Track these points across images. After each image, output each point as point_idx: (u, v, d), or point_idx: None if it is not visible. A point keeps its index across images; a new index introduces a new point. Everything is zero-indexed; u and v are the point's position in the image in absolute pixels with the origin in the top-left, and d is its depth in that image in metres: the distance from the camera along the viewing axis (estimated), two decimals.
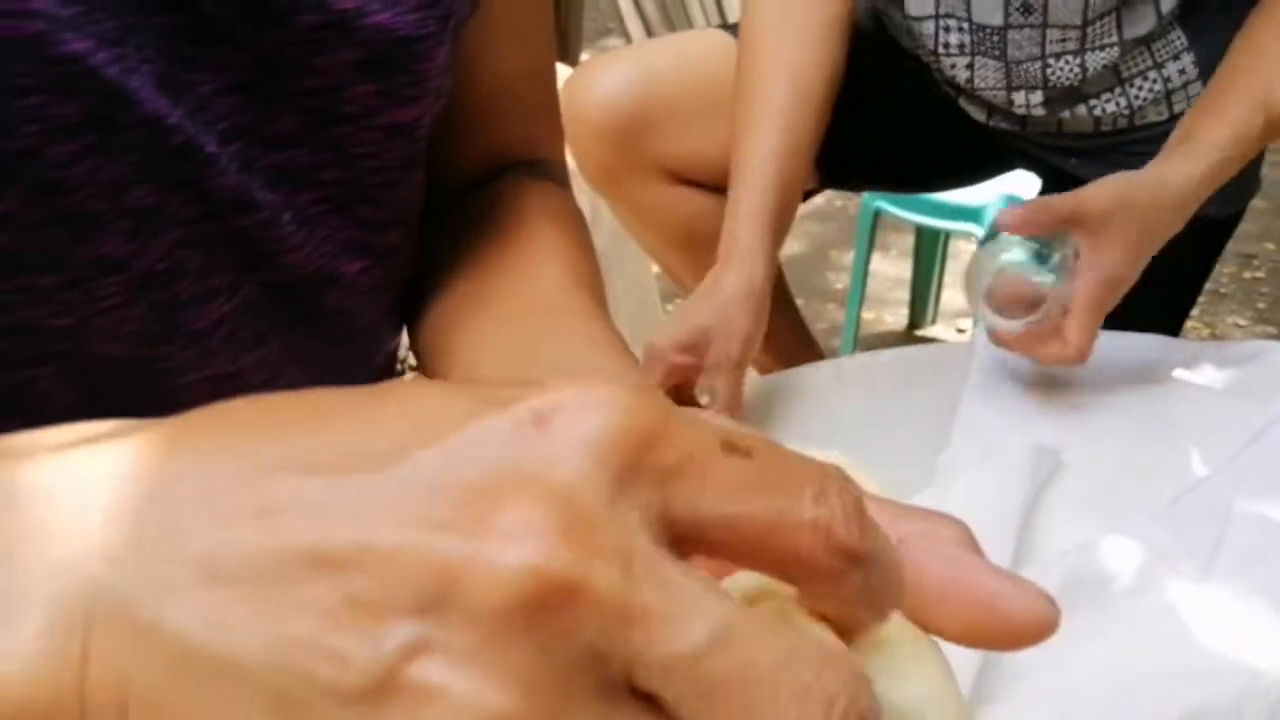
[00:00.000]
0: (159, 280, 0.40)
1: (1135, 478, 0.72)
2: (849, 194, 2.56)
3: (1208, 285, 1.20)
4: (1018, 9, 1.00)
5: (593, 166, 1.21)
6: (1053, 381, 0.82)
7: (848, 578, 0.20)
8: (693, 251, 1.23)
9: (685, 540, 0.19)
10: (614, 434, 0.19)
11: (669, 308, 2.11)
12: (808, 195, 1.25)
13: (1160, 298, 0.92)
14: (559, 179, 0.56)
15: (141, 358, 0.41)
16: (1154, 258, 0.88)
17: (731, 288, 0.88)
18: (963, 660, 0.57)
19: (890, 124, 1.17)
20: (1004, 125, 1.12)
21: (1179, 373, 0.81)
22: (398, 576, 0.18)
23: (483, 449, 0.19)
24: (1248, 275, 2.59)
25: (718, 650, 0.17)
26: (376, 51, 0.41)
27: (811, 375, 0.95)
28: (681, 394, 0.87)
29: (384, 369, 0.55)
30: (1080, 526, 0.68)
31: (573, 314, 0.45)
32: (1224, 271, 2.50)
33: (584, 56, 3.01)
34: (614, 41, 3.65)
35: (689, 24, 2.99)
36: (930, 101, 1.14)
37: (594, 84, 1.17)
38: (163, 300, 0.40)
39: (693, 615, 0.18)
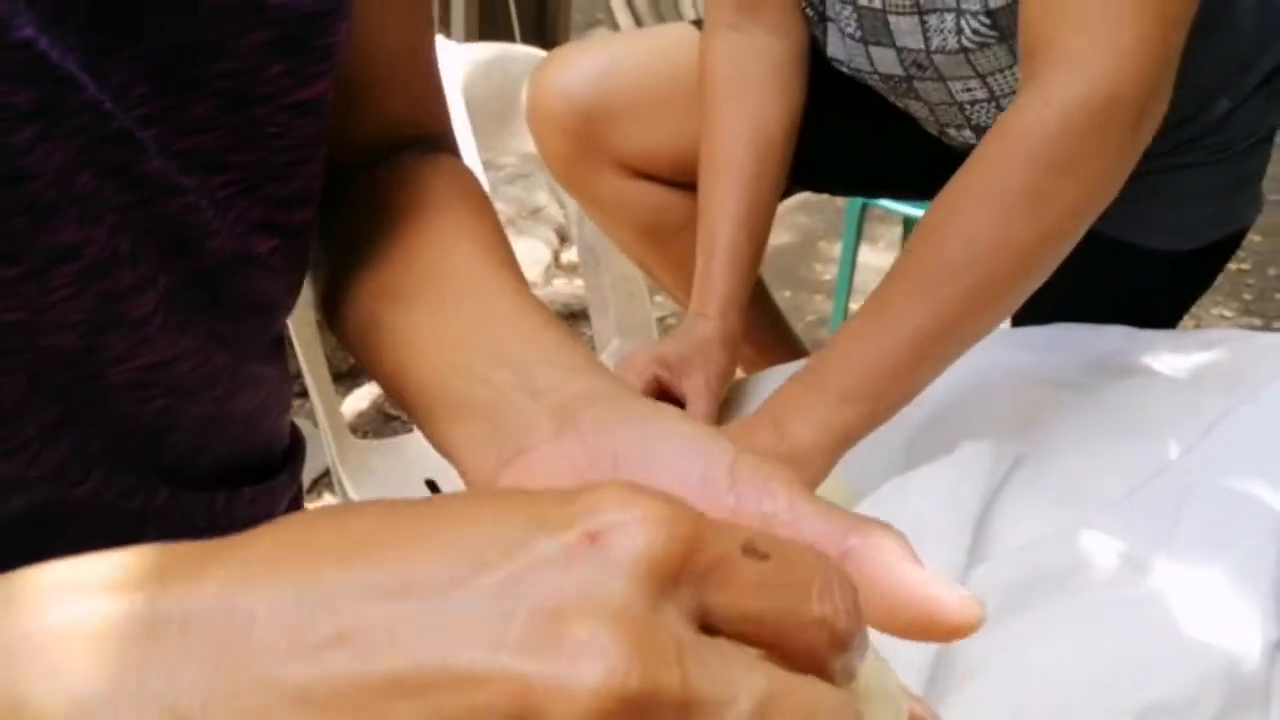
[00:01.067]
0: (103, 268, 0.40)
1: (1095, 470, 0.72)
2: (822, 193, 2.57)
3: None
4: (912, 64, 1.00)
5: (555, 160, 1.22)
6: (1015, 373, 0.82)
7: (840, 658, 0.24)
8: (657, 243, 1.24)
9: (713, 630, 0.23)
10: (659, 550, 0.22)
11: (658, 299, 2.11)
12: (783, 196, 1.26)
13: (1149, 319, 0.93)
14: (453, 149, 0.57)
15: (85, 347, 0.41)
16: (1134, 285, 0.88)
17: (705, 334, 0.93)
18: (916, 659, 0.58)
19: (859, 132, 1.17)
20: (959, 141, 1.11)
21: (1141, 362, 0.81)
22: (481, 697, 0.20)
23: (545, 574, 0.21)
24: (1234, 267, 2.60)
25: (761, 716, 0.21)
26: (286, 30, 0.41)
27: (793, 371, 0.96)
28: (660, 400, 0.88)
29: (278, 338, 0.55)
30: (1039, 521, 0.68)
31: (504, 295, 0.45)
32: None
33: None
34: (603, 33, 3.65)
35: (678, 16, 2.98)
36: (895, 112, 1.14)
37: (557, 77, 1.17)
38: (106, 289, 0.40)
39: (739, 692, 0.21)
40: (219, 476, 0.51)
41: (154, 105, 0.40)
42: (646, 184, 1.19)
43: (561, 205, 2.74)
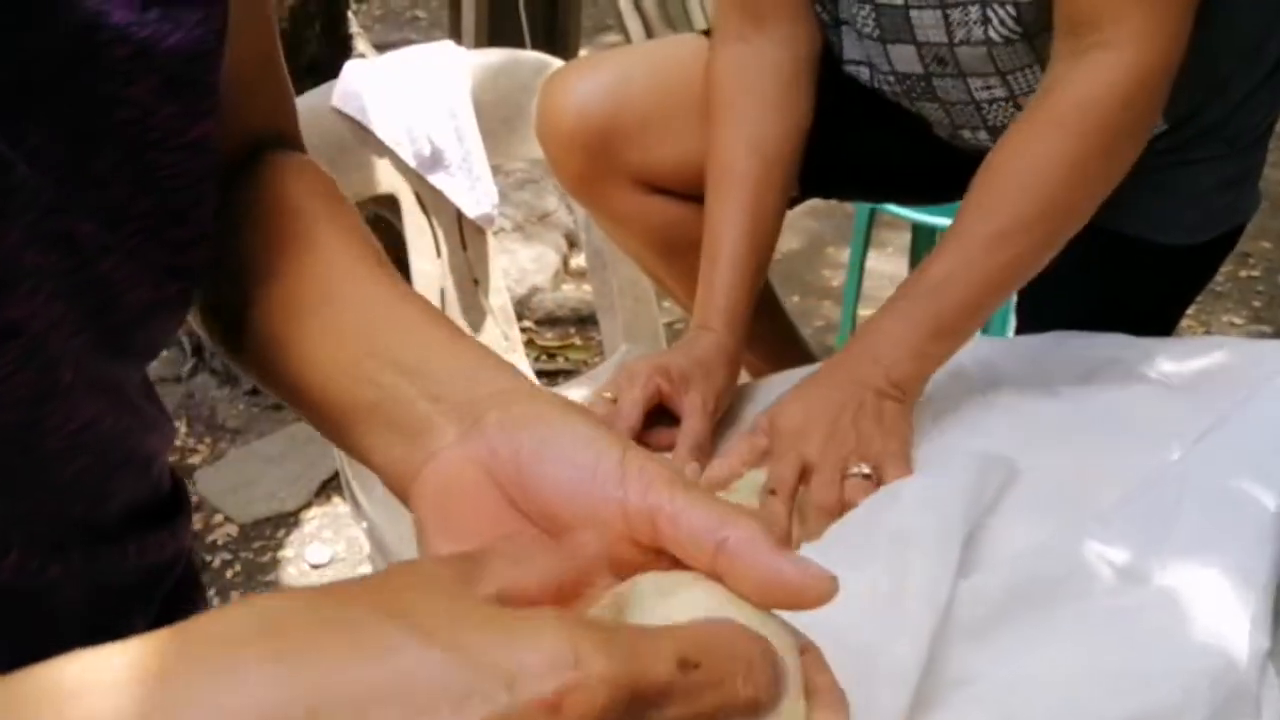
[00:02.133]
0: (41, 339, 0.40)
1: (1086, 480, 0.72)
2: (835, 200, 2.57)
3: None
4: (932, 60, 1.00)
5: (567, 174, 1.22)
6: (1007, 382, 0.82)
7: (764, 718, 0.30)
8: (670, 257, 1.24)
9: None
10: (614, 706, 0.26)
11: (665, 305, 2.12)
12: (793, 203, 1.27)
13: (1144, 322, 0.94)
14: (302, 147, 0.60)
15: (27, 422, 0.41)
16: (1137, 282, 0.90)
17: (708, 350, 0.93)
18: (907, 667, 0.58)
19: (870, 139, 1.17)
20: (972, 144, 1.12)
21: (1137, 370, 0.81)
22: None
23: None
24: (1244, 274, 2.59)
25: None
26: (175, 71, 0.42)
27: (800, 377, 0.97)
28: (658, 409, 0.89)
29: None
30: (1032, 530, 0.69)
31: (393, 302, 0.47)
32: (1220, 269, 2.50)
33: (583, 53, 3.01)
34: (613, 39, 3.65)
35: (688, 23, 2.99)
36: (906, 119, 1.14)
37: (568, 91, 1.17)
38: (44, 359, 0.41)
39: None
40: (129, 523, 0.51)
41: (66, 164, 0.40)
42: (660, 198, 1.19)
43: (570, 210, 2.75)
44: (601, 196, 1.22)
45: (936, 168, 1.16)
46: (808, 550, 0.68)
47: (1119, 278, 1.05)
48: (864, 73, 1.07)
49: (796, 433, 0.80)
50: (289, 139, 0.59)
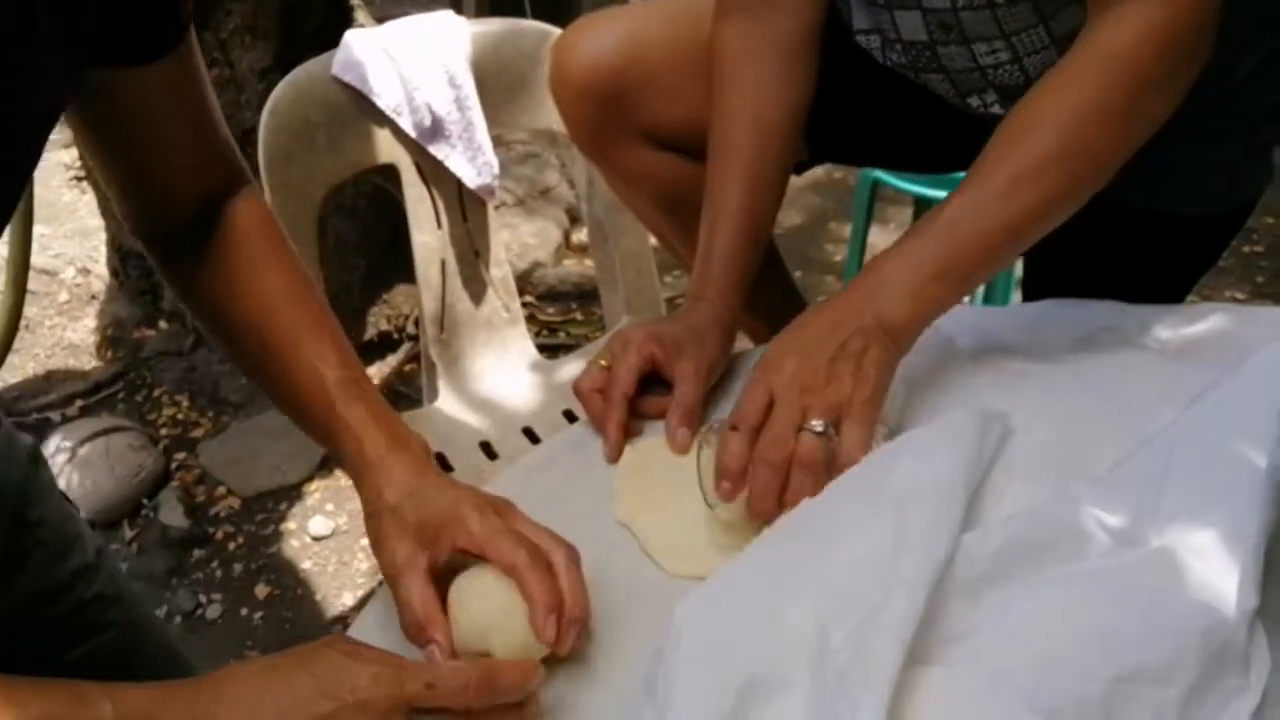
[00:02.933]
0: None
1: (1080, 443, 0.72)
2: (847, 165, 2.57)
3: None
4: (937, 27, 1.00)
5: (578, 130, 1.22)
6: (1002, 348, 0.82)
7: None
8: (678, 216, 1.24)
9: None
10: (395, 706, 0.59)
11: (668, 279, 2.12)
12: (802, 168, 1.27)
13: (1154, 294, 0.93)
14: (248, 179, 0.81)
15: None
16: (1147, 255, 0.89)
17: (703, 319, 0.93)
18: (904, 622, 0.59)
19: (880, 105, 1.17)
20: (979, 111, 1.12)
21: (1132, 337, 0.81)
22: None
23: None
24: (1246, 249, 2.59)
25: None
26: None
27: None
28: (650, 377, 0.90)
29: None
30: (1024, 492, 0.69)
31: (318, 370, 0.75)
32: None
33: None
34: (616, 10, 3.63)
35: None
36: (917, 86, 1.14)
37: (580, 46, 1.17)
38: None
39: None
40: None
41: None
42: (669, 155, 1.19)
43: (572, 185, 2.74)
44: (611, 151, 1.22)
45: (947, 135, 1.16)
46: (812, 508, 0.69)
47: (1128, 250, 1.04)
48: (874, 42, 1.06)
49: (772, 364, 0.79)
50: (236, 174, 0.80)
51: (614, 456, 0.87)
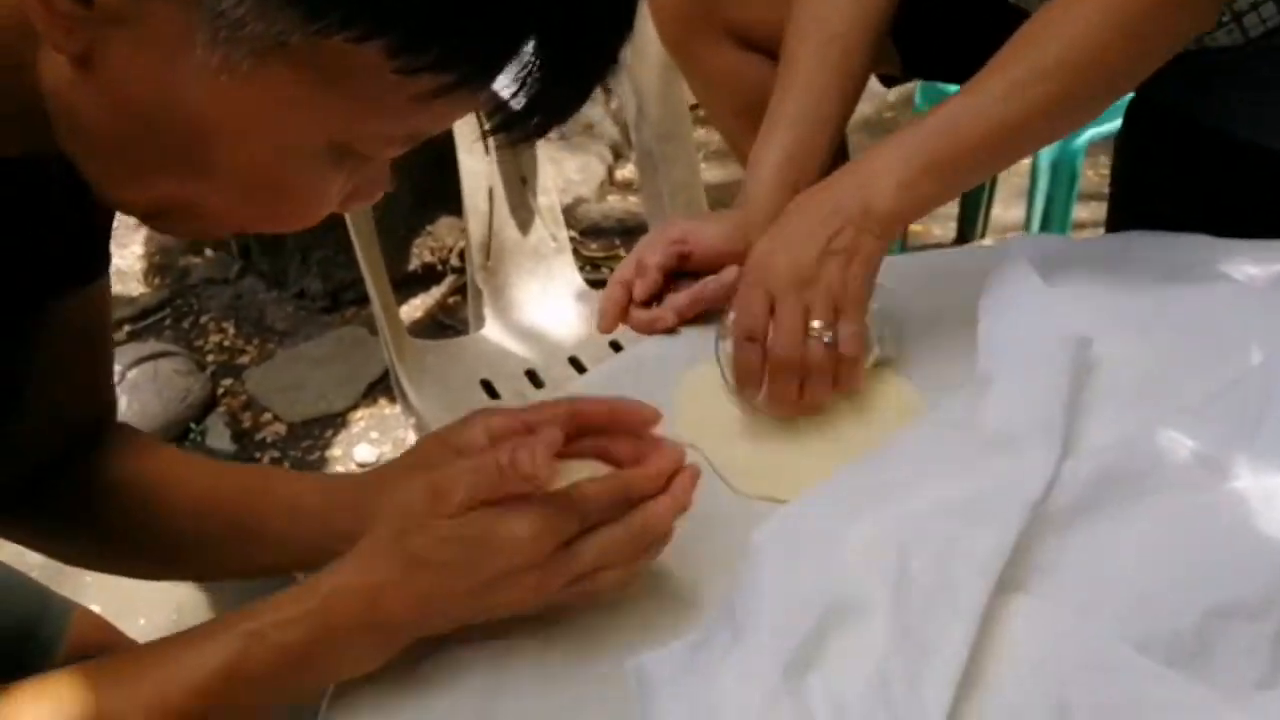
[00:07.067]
0: None
1: (1172, 375, 0.71)
2: (899, 106, 2.51)
3: None
4: None
5: (668, 27, 1.20)
6: (1081, 277, 0.80)
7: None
8: (754, 120, 1.21)
9: None
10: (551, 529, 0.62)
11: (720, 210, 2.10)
12: (893, 82, 1.23)
13: None
14: (113, 416, 0.77)
15: None
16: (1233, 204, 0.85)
17: (735, 224, 0.91)
18: (990, 556, 0.58)
19: (977, 22, 1.12)
20: None
21: (1220, 270, 0.79)
22: None
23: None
24: None
25: None
26: None
27: None
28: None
29: None
30: (1115, 423, 0.67)
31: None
32: None
33: None
34: None
35: None
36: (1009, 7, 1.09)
37: None
38: None
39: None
40: None
41: None
42: (756, 56, 1.17)
43: (615, 122, 2.71)
44: (698, 46, 1.20)
45: None
46: (902, 440, 0.68)
47: (1223, 183, 0.99)
48: None
49: (763, 264, 0.78)
50: (108, 416, 0.76)
51: (607, 310, 0.87)
